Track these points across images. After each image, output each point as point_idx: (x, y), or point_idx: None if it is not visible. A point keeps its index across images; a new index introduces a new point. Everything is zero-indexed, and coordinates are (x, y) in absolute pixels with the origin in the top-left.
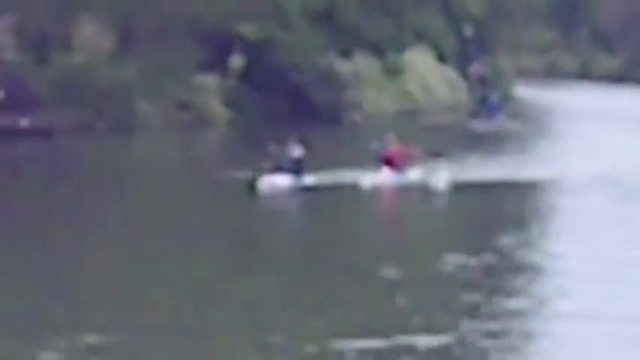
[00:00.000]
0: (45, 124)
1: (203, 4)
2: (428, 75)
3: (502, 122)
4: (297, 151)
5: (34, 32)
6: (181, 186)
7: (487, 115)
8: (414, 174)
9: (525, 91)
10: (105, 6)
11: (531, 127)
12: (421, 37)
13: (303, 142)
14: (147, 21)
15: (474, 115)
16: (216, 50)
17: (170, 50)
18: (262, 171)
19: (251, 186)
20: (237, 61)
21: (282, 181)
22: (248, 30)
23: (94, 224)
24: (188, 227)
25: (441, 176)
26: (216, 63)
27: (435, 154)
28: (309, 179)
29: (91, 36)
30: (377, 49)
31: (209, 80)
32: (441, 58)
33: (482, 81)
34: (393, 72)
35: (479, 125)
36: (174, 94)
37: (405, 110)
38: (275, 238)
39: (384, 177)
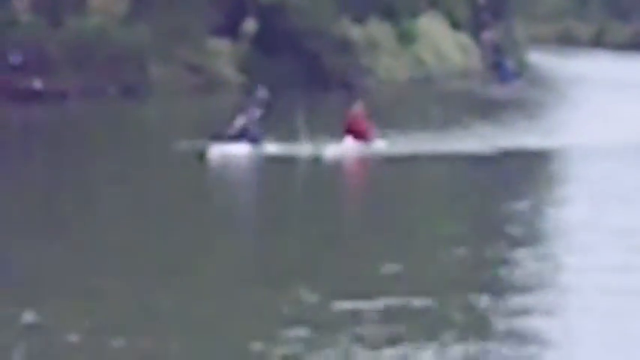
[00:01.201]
0: (59, 88)
1: None
2: (441, 42)
3: (517, 88)
4: (256, 114)
5: None
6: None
7: (502, 81)
8: (379, 144)
9: (539, 59)
10: None
11: (545, 94)
12: (435, 3)
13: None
14: None
15: (488, 80)
16: (229, 14)
17: (183, 14)
18: (216, 138)
19: (200, 155)
20: (250, 25)
21: (236, 149)
22: None
23: (96, 188)
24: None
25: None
26: (230, 27)
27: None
28: (270, 148)
29: None
30: (391, 16)
31: (222, 44)
32: (455, 24)
33: (496, 48)
34: (407, 38)
35: (494, 91)
36: (186, 58)
37: (418, 77)
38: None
39: (347, 147)
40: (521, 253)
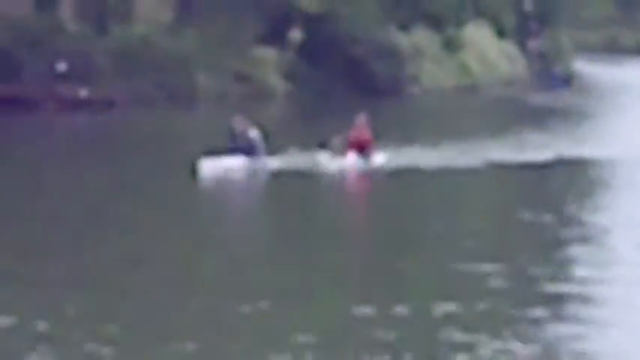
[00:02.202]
0: (105, 96)
1: None
2: (487, 49)
3: (564, 96)
4: (253, 130)
5: (94, 3)
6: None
7: (551, 89)
8: (378, 158)
9: (584, 67)
10: None
11: (592, 101)
12: (481, 11)
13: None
14: None
15: (534, 88)
16: (275, 23)
17: (229, 22)
18: (210, 152)
19: (192, 168)
20: (296, 33)
21: (231, 163)
22: (307, 2)
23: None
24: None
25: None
26: (275, 36)
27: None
28: (267, 162)
29: (151, 7)
30: (437, 23)
31: (268, 53)
32: (501, 32)
33: (542, 56)
34: (453, 46)
35: (540, 99)
36: (232, 66)
37: (463, 85)
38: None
39: (348, 162)
40: (574, 266)
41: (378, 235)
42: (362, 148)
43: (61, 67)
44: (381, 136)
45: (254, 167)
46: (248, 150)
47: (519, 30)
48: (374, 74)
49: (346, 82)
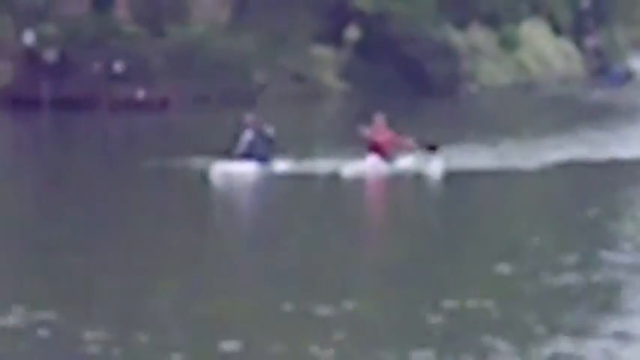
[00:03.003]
0: (161, 96)
1: None
2: (543, 47)
3: (624, 93)
4: (269, 130)
5: (150, 4)
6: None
7: (609, 86)
8: (404, 162)
9: None
10: None
11: None
12: (537, 8)
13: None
14: None
15: (591, 86)
16: (331, 22)
17: (286, 21)
18: (221, 156)
19: (202, 174)
20: (352, 32)
21: (242, 168)
22: (364, 1)
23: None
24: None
25: (436, 165)
26: (332, 35)
27: (430, 147)
28: (280, 166)
29: (208, 7)
30: (493, 21)
31: (324, 52)
32: (557, 30)
33: (598, 53)
34: (509, 44)
35: (600, 96)
36: (289, 65)
37: (520, 82)
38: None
39: (369, 165)
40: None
41: (414, 236)
42: (383, 150)
43: (118, 67)
44: (434, 135)
45: (266, 172)
46: (261, 153)
47: (575, 27)
48: (430, 73)
49: (403, 82)
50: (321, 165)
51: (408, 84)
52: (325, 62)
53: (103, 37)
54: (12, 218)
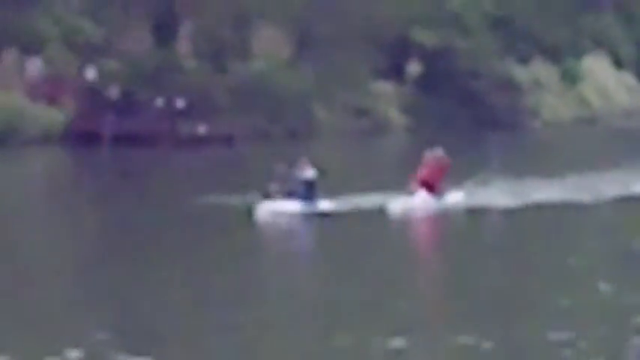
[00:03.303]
0: (224, 132)
1: (380, 11)
2: (605, 81)
3: None
4: (308, 173)
5: (212, 40)
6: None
7: None
8: (453, 197)
9: None
10: (282, 13)
11: None
12: (598, 43)
13: (315, 164)
14: (324, 27)
15: None
16: (393, 57)
17: (347, 56)
18: (265, 195)
19: (248, 212)
20: (414, 67)
21: (286, 206)
22: (425, 37)
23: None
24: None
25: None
26: (394, 70)
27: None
28: (324, 204)
29: (269, 43)
30: (555, 56)
31: (386, 87)
32: (618, 63)
33: None
34: (571, 78)
35: None
36: (351, 100)
37: (582, 116)
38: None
39: (418, 201)
40: None
41: (473, 269)
42: (432, 187)
43: (180, 103)
44: (498, 170)
45: (310, 210)
46: (305, 193)
47: (637, 60)
48: (493, 107)
49: (465, 116)
50: (372, 200)
51: (471, 118)
52: (387, 97)
53: (164, 73)
54: (67, 253)
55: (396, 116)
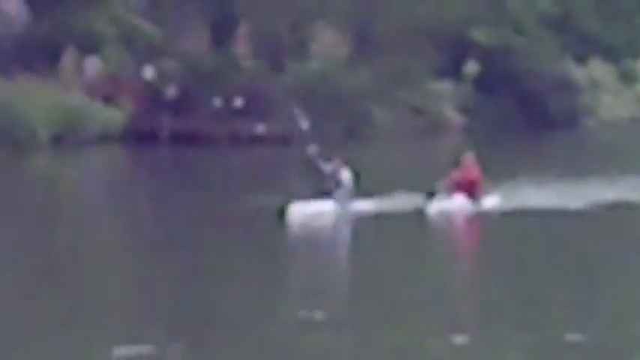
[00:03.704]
0: (281, 131)
1: (439, 11)
2: None
3: None
4: (344, 174)
5: (269, 40)
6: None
7: None
8: (490, 201)
9: None
10: (341, 12)
11: None
12: None
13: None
14: (382, 27)
15: None
16: (450, 56)
17: (405, 56)
18: (299, 196)
19: (281, 213)
20: (472, 67)
21: (321, 207)
22: (483, 36)
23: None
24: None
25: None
26: (451, 69)
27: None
28: (362, 205)
29: (327, 43)
30: (612, 56)
31: (444, 86)
32: None
33: None
34: (629, 78)
35: None
36: (409, 99)
37: (639, 116)
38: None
39: (456, 204)
40: None
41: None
42: (470, 190)
43: (238, 102)
44: (552, 170)
45: (344, 211)
46: (338, 193)
47: None
48: (550, 107)
49: (522, 115)
50: (406, 203)
51: (528, 118)
52: (445, 96)
53: (222, 73)
54: (126, 246)
55: (453, 115)
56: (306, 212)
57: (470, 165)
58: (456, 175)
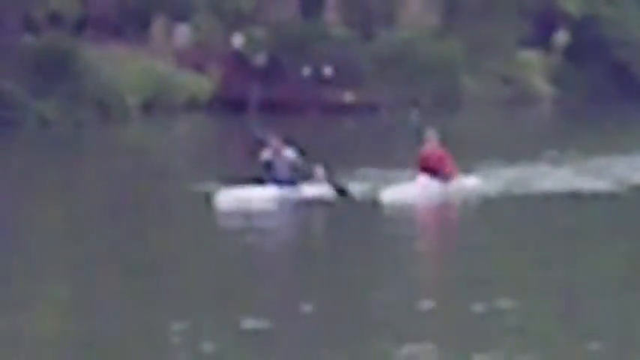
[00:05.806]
0: (369, 100)
1: None
2: None
3: None
4: (287, 154)
5: (359, 8)
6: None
7: None
8: (468, 183)
9: None
10: None
11: None
12: None
13: (294, 143)
14: None
15: None
16: (540, 26)
17: (494, 26)
18: (232, 180)
19: (207, 199)
20: (561, 37)
21: (255, 193)
22: (572, 6)
23: None
24: None
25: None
26: (541, 39)
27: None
28: (307, 191)
29: (416, 12)
30: None
31: (533, 56)
32: None
33: None
34: None
35: None
36: (498, 69)
37: None
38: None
39: (419, 186)
40: None
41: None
42: (435, 170)
43: (327, 71)
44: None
45: (288, 198)
46: (281, 177)
47: None
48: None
49: (613, 86)
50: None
51: (618, 88)
52: (534, 66)
53: (311, 41)
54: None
55: (542, 86)
56: (236, 198)
57: (433, 143)
58: (418, 154)
